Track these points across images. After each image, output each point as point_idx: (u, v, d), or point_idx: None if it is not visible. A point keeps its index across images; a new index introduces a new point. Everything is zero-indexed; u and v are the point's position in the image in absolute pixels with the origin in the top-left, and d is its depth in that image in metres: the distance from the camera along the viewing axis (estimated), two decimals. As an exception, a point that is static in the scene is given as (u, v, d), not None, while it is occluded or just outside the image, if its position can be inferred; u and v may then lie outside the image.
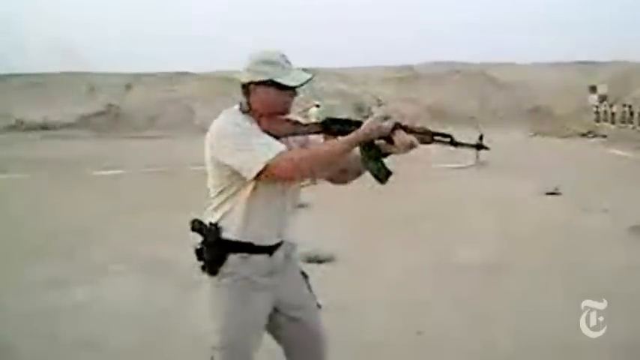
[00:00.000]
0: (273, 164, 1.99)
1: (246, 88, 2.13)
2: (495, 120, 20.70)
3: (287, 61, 2.12)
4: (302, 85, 2.10)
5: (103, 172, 11.63)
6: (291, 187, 2.20)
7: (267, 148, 2.01)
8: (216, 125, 2.12)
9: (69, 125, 23.61)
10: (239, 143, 2.04)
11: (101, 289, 4.80)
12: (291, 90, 2.12)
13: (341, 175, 2.32)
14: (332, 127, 2.14)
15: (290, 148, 2.13)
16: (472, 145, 2.19)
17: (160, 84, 26.13)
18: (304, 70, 2.16)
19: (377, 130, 2.05)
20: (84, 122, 24.16)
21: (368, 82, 26.73)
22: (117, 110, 25.37)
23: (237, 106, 2.17)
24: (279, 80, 2.08)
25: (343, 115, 2.40)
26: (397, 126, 2.10)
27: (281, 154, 2.01)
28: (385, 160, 2.14)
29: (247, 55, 2.15)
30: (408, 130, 2.11)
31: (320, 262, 5.19)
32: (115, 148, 16.93)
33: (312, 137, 2.23)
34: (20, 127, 23.27)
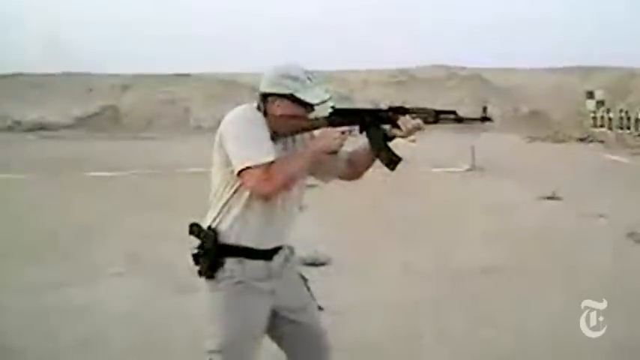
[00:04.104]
0: (247, 174, 2.02)
1: (265, 97, 2.15)
2: (493, 124, 20.71)
3: (309, 78, 2.14)
4: (321, 103, 2.12)
5: (101, 173, 11.61)
6: (294, 190, 2.20)
7: (255, 154, 2.02)
8: (230, 114, 2.14)
9: (67, 126, 23.54)
10: (243, 134, 2.06)
11: (100, 289, 4.81)
12: (309, 106, 2.14)
13: (350, 171, 2.33)
14: (336, 119, 2.16)
15: (294, 150, 2.17)
16: (476, 119, 2.22)
17: (157, 85, 26.06)
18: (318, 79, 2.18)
19: (333, 144, 2.10)
20: (81, 123, 24.07)
21: (366, 85, 26.72)
22: (114, 111, 25.29)
23: (254, 104, 2.18)
24: (299, 96, 2.10)
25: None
26: (401, 110, 2.14)
27: (258, 167, 2.01)
28: (391, 144, 2.19)
29: (271, 66, 2.17)
30: (411, 112, 2.15)
31: (318, 264, 5.20)
32: (113, 149, 16.88)
33: (316, 132, 2.23)
34: (18, 127, 23.18)
